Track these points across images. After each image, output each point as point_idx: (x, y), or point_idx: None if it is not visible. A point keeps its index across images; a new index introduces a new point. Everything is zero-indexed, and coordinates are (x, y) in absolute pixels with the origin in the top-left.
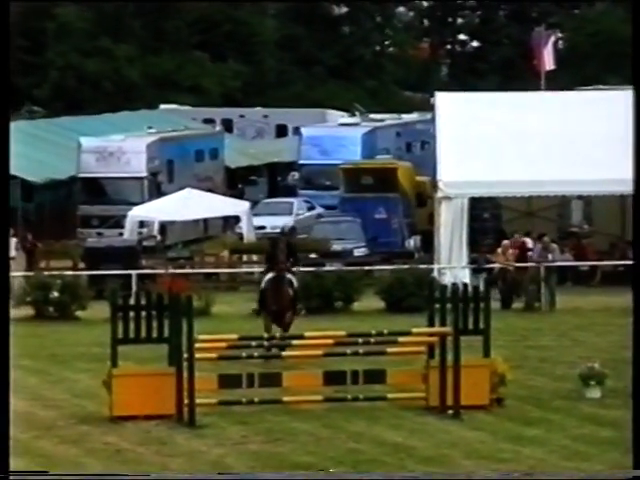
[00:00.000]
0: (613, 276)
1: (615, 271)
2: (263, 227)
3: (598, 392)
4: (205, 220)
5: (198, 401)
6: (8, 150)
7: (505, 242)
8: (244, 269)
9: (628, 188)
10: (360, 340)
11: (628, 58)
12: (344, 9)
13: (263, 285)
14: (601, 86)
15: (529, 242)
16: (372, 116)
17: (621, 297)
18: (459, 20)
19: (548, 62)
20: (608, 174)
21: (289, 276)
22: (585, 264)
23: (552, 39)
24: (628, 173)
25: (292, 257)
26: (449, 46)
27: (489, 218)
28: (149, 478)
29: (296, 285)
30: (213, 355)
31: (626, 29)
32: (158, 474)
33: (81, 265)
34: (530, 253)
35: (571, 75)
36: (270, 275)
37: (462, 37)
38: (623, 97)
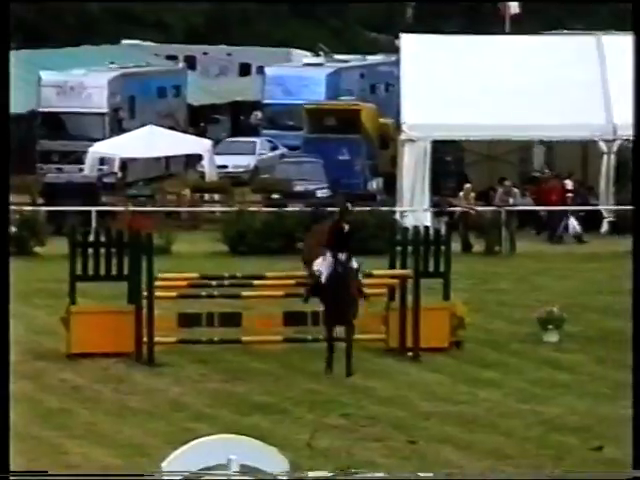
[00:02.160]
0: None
1: (576, 217)
2: (225, 166)
3: (556, 336)
4: (167, 158)
5: (157, 339)
6: (8, 147)
7: (467, 185)
8: (205, 208)
9: (590, 133)
10: None
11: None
12: None
13: (323, 280)
14: (565, 31)
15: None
16: (336, 57)
17: (579, 242)
18: None
19: (513, 6)
20: (570, 119)
21: (355, 265)
22: (545, 209)
23: None
24: (590, 118)
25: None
26: None
27: (451, 161)
28: (150, 478)
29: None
30: (173, 293)
31: None
32: (160, 474)
33: (40, 201)
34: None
35: (536, 19)
36: (330, 266)
37: None
38: (587, 42)
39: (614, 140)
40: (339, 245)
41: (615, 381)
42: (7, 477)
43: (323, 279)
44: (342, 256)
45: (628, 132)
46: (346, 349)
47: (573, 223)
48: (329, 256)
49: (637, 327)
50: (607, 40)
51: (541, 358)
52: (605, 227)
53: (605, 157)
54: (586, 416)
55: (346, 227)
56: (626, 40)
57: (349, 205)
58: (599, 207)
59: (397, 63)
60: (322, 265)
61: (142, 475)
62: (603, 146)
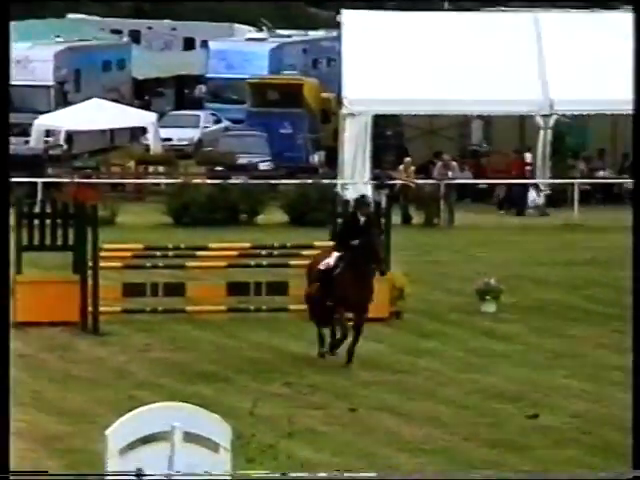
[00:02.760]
0: (509, 195)
1: (537, 190)
2: (169, 139)
3: (493, 306)
4: (112, 130)
5: (102, 309)
6: (7, 143)
7: (407, 159)
8: (150, 180)
9: (527, 108)
10: (264, 252)
11: None
12: None
13: (337, 269)
14: (503, 8)
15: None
16: (279, 32)
17: (517, 215)
18: None
19: None
20: (508, 95)
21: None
22: (483, 182)
23: None
24: (527, 94)
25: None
26: None
27: (392, 135)
28: (150, 478)
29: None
30: (118, 264)
31: None
32: (163, 474)
33: None
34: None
35: None
36: (347, 257)
37: None
38: (524, 19)
39: (550, 115)
40: (355, 236)
41: (551, 350)
42: (7, 477)
43: (340, 269)
44: (357, 244)
45: (564, 107)
46: (355, 337)
47: (533, 195)
48: (344, 248)
49: (637, 326)
50: (544, 17)
51: (479, 328)
52: (542, 200)
53: (542, 132)
54: (522, 384)
55: (362, 219)
56: (563, 17)
57: (366, 197)
58: (538, 180)
59: (339, 38)
60: (333, 258)
61: (142, 475)
62: (540, 121)
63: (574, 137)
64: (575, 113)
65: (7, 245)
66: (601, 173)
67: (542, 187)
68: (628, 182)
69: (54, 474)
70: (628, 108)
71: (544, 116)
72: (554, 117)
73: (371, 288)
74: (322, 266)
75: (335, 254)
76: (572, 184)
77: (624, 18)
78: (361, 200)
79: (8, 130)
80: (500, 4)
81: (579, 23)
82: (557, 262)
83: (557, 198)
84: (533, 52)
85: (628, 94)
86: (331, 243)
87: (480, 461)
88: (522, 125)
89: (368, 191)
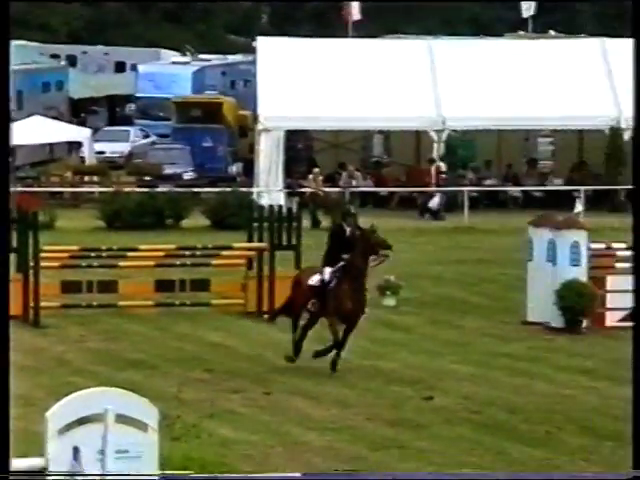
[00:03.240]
0: (408, 201)
1: (410, 196)
2: (103, 152)
3: (393, 301)
4: (51, 144)
5: (42, 304)
6: (8, 144)
7: (315, 169)
8: (85, 189)
9: (422, 124)
10: (187, 253)
11: (424, 10)
12: None
13: (332, 282)
14: (401, 35)
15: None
16: (201, 56)
17: (414, 219)
18: None
19: (354, 13)
20: (405, 112)
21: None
22: (384, 190)
23: None
24: (422, 111)
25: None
26: None
27: (302, 148)
28: (151, 478)
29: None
30: (56, 264)
31: None
32: (161, 474)
33: None
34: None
35: (375, 25)
36: (338, 269)
37: None
38: (419, 46)
39: (443, 130)
40: (343, 248)
41: (444, 339)
42: (7, 477)
43: (333, 284)
44: (348, 257)
45: (454, 123)
46: (341, 344)
47: (436, 201)
48: (334, 260)
49: (637, 326)
50: (437, 44)
51: (380, 320)
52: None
53: (435, 145)
54: (419, 370)
55: (348, 230)
56: (453, 44)
57: (351, 208)
58: (433, 189)
59: (254, 62)
60: (328, 274)
61: (143, 475)
62: (433, 135)
63: (464, 150)
64: (464, 128)
65: (7, 245)
66: (488, 182)
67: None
68: (512, 189)
69: (54, 474)
70: (511, 124)
71: (437, 131)
72: (446, 132)
73: (364, 301)
74: (313, 282)
75: (327, 270)
76: (462, 191)
77: (508, 44)
78: (347, 212)
79: (9, 133)
80: (398, 32)
81: (468, 49)
82: (450, 261)
83: (449, 204)
84: (427, 75)
85: (511, 112)
86: (248, 244)
87: (381, 438)
88: (418, 139)
89: (281, 198)
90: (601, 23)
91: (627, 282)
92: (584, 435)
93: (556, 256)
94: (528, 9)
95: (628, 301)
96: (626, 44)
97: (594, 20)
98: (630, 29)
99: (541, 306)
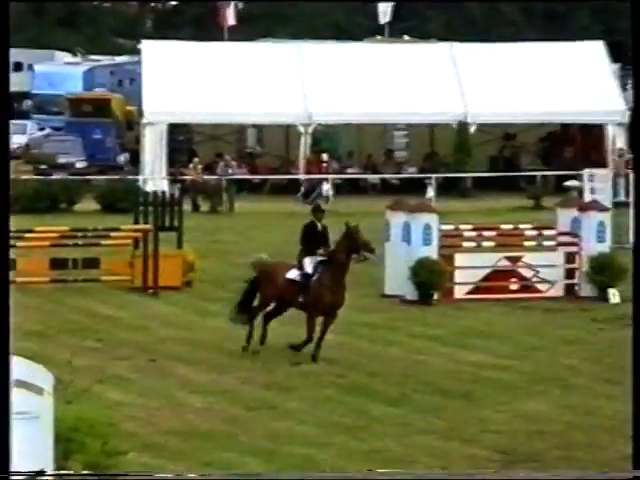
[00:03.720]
0: (279, 187)
1: (281, 183)
2: None
3: None
4: None
5: None
6: (8, 148)
7: (195, 159)
8: None
9: (291, 119)
10: (80, 234)
11: (294, 16)
12: None
13: (314, 276)
14: (272, 39)
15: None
16: (91, 57)
17: (284, 203)
18: None
19: (230, 19)
20: (276, 108)
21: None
22: (257, 177)
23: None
24: (290, 107)
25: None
26: (153, 4)
27: (183, 140)
28: (150, 478)
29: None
30: None
31: None
32: (160, 474)
33: None
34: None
35: (249, 29)
36: (322, 261)
37: None
38: (288, 48)
39: (309, 124)
40: (317, 243)
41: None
42: (7, 477)
43: (315, 277)
44: (330, 252)
45: (320, 118)
46: (320, 337)
47: (326, 187)
48: (308, 256)
49: (637, 328)
50: (304, 47)
51: None
52: (302, 191)
53: (302, 137)
54: (290, 339)
55: (319, 226)
56: (319, 47)
57: (322, 205)
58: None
59: (139, 63)
60: (310, 267)
61: (144, 475)
62: (301, 129)
63: (328, 142)
64: (329, 123)
65: (7, 245)
66: (349, 170)
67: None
68: (372, 177)
69: (54, 474)
70: (370, 119)
71: (304, 125)
72: (312, 126)
73: (344, 294)
74: (293, 275)
75: (307, 263)
76: (327, 179)
77: (367, 48)
78: (317, 208)
79: (8, 132)
80: (271, 36)
81: (332, 52)
82: None
83: (315, 190)
84: (296, 75)
85: (370, 108)
86: (134, 226)
87: (256, 400)
88: (287, 132)
89: (164, 185)
90: (450, 29)
91: (472, 259)
92: (435, 395)
93: (410, 237)
94: (385, 16)
95: (473, 276)
96: (472, 48)
97: (444, 26)
98: (491, 34)
99: (397, 281)
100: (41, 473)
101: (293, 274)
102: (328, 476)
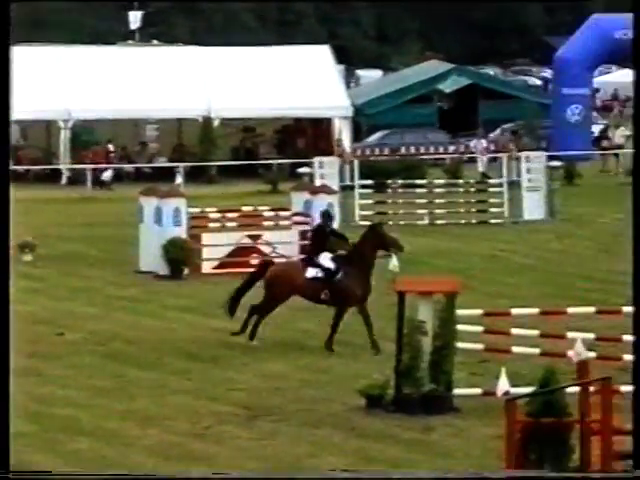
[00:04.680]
0: (43, 176)
1: (43, 173)
2: None
3: (30, 257)
4: None
5: None
6: (8, 142)
7: None
8: None
9: (50, 115)
10: None
11: (51, 22)
12: None
13: (337, 270)
14: (32, 43)
15: None
16: None
17: (48, 190)
18: None
19: None
20: (37, 106)
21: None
22: (21, 168)
23: None
24: (51, 105)
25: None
26: None
27: None
28: (150, 478)
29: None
30: None
31: None
32: (159, 474)
33: None
34: None
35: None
36: (341, 257)
37: None
38: (49, 52)
39: (69, 120)
40: (324, 245)
41: (74, 287)
42: (7, 477)
43: (340, 273)
44: (356, 247)
45: (79, 114)
46: (370, 326)
47: (109, 174)
48: (324, 254)
49: (637, 324)
50: (64, 51)
51: (21, 273)
52: (64, 180)
53: (62, 131)
54: (53, 312)
55: (328, 229)
56: (78, 51)
57: (330, 210)
58: (61, 166)
59: None
60: (331, 264)
61: (144, 475)
62: (61, 124)
63: (86, 135)
64: (86, 118)
65: (7, 244)
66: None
67: (65, 170)
68: (127, 166)
69: (54, 474)
70: (124, 115)
71: (64, 121)
72: (71, 121)
73: (371, 286)
74: (313, 274)
75: (324, 259)
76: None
77: (120, 51)
78: (326, 213)
79: (8, 131)
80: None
81: (89, 55)
82: (76, 224)
83: (75, 178)
84: (56, 76)
85: (124, 105)
86: None
87: (21, 369)
88: (48, 127)
89: None
90: (194, 35)
91: (218, 238)
92: (187, 360)
93: (162, 219)
94: (135, 22)
95: (219, 253)
96: (215, 51)
97: (190, 32)
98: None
99: (151, 258)
100: (41, 473)
101: (313, 272)
102: (328, 476)
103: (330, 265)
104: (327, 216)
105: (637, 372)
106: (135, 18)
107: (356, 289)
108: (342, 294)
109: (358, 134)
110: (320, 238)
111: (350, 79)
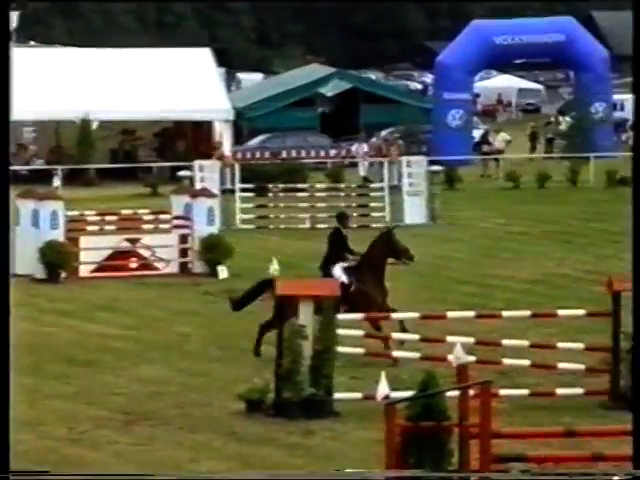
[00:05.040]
0: None
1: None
2: None
3: None
4: None
5: None
6: (8, 143)
7: None
8: None
9: None
10: None
11: None
12: None
13: (352, 285)
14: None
15: None
16: None
17: None
18: None
19: None
20: None
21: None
22: None
23: None
24: None
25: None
26: None
27: None
28: (149, 478)
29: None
30: None
31: None
32: (158, 474)
33: None
34: None
35: None
36: (352, 267)
37: None
38: None
39: None
40: (342, 250)
41: None
42: (7, 477)
43: (354, 285)
44: (365, 254)
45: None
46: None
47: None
48: (336, 262)
49: (637, 326)
50: None
51: None
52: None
53: None
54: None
55: (344, 232)
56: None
57: (346, 212)
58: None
59: None
60: (344, 277)
61: (145, 475)
62: None
63: None
64: None
65: (7, 244)
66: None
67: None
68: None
69: (54, 474)
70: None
71: None
72: None
73: (386, 293)
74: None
75: (338, 272)
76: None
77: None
78: (342, 216)
79: (8, 131)
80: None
81: None
82: None
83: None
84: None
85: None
86: None
87: None
88: None
89: None
90: (72, 36)
91: (96, 241)
92: (63, 363)
93: (39, 221)
94: (11, 23)
95: (98, 256)
96: (93, 53)
97: (67, 34)
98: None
99: (27, 262)
100: (41, 473)
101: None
102: (325, 476)
103: (344, 279)
104: (343, 217)
105: (637, 372)
106: (12, 18)
107: (376, 296)
108: (362, 306)
109: (239, 137)
110: (338, 241)
111: (231, 82)
